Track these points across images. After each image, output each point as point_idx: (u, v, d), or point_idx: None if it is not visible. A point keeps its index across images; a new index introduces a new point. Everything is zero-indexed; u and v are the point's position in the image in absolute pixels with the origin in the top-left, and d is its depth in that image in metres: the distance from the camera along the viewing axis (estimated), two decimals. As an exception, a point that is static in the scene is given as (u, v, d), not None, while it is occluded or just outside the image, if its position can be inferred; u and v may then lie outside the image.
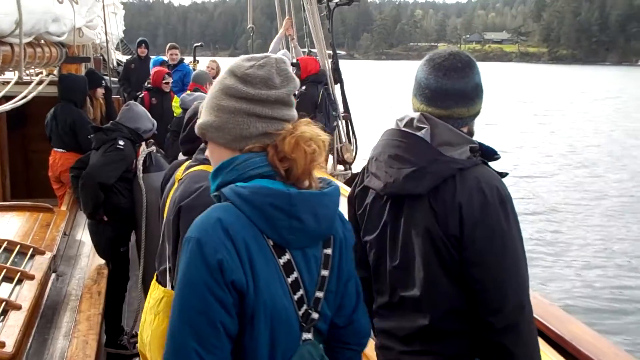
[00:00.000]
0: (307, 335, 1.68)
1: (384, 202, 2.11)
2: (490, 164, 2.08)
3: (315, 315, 1.68)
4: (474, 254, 1.92)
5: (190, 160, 2.73)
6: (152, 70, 8.34)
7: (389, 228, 2.10)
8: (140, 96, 8.12)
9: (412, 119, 2.07)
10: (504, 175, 2.06)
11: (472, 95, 2.03)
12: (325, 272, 1.70)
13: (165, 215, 2.67)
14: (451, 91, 2.01)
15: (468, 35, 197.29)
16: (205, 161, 2.56)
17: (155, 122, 5.21)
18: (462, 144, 1.99)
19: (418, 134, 2.02)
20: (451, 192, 1.93)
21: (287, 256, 1.60)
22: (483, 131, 22.61)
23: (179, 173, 2.70)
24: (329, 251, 1.71)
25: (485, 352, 2.01)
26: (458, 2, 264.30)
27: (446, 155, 1.96)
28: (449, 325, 2.02)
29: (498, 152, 2.09)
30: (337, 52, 8.30)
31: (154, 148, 4.92)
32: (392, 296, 2.15)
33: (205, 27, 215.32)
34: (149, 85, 8.20)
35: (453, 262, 1.96)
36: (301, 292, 1.64)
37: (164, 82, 8.07)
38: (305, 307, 1.65)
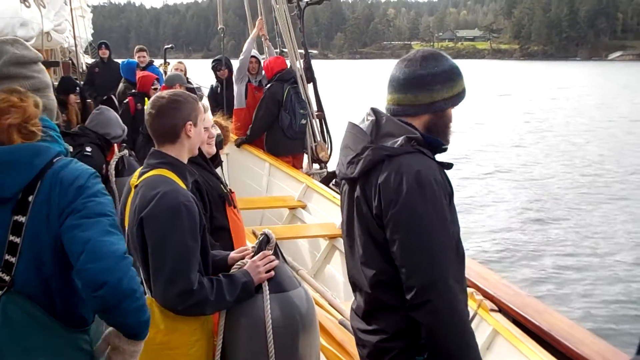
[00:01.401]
0: None
1: (345, 189, 2.30)
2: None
3: (4, 277, 1.80)
4: (392, 232, 2.04)
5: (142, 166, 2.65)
6: (139, 75, 8.00)
7: (347, 213, 2.27)
8: (125, 101, 7.80)
9: (367, 114, 2.27)
10: (447, 165, 2.17)
11: (420, 83, 2.15)
12: (15, 239, 1.80)
13: (126, 224, 2.58)
14: (402, 79, 2.19)
15: (441, 33, 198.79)
16: (159, 165, 2.54)
17: (125, 128, 5.14)
18: (402, 135, 2.11)
19: (360, 125, 2.21)
20: (376, 176, 2.09)
21: None
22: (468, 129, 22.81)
23: (134, 179, 2.63)
24: (20, 218, 1.81)
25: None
26: (430, 0, 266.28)
27: (380, 144, 2.11)
28: (388, 301, 2.13)
29: (445, 144, 2.21)
30: (310, 51, 8.28)
31: (126, 152, 4.85)
32: (354, 277, 2.30)
33: (177, 28, 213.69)
34: (134, 91, 7.76)
35: (384, 241, 2.08)
36: None
37: (152, 87, 7.76)
38: None
